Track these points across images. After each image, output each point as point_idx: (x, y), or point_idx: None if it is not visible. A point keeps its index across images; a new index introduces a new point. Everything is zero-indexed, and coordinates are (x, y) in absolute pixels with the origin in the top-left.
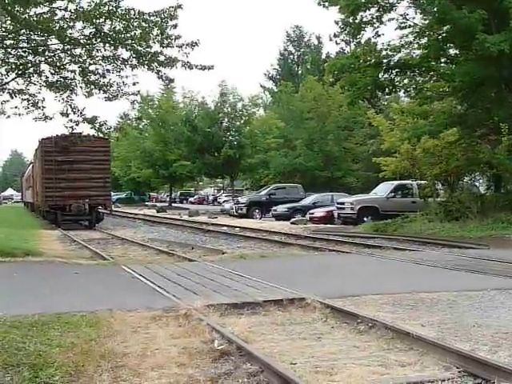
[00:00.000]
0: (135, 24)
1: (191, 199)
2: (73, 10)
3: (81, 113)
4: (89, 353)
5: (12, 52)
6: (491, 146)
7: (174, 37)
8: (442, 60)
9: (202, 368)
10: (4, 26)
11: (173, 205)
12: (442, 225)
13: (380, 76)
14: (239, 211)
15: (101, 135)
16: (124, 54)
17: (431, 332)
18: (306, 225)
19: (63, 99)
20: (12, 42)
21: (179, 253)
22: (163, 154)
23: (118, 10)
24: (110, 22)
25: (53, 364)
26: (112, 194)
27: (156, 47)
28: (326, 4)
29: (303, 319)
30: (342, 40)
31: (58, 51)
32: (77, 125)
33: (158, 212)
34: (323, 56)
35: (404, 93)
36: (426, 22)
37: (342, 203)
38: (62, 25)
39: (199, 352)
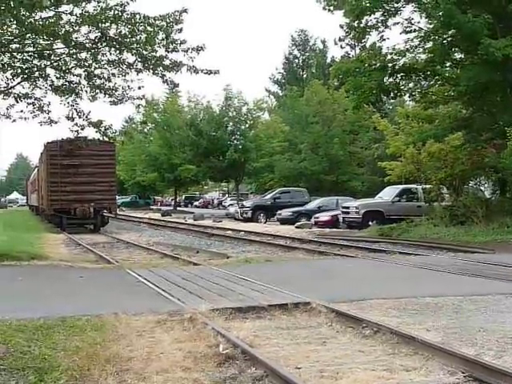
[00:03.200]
0: (140, 28)
1: (196, 203)
2: (78, 15)
3: (86, 117)
4: (94, 357)
5: (18, 56)
6: (497, 151)
7: (179, 41)
8: (447, 64)
9: (206, 372)
10: (10, 30)
11: (178, 208)
12: (448, 229)
13: (385, 80)
14: (244, 215)
15: (106, 139)
16: (129, 58)
17: (436, 337)
18: (310, 229)
19: (68, 103)
20: (18, 46)
21: (184, 257)
22: (168, 157)
23: (124, 14)
24: (115, 27)
25: (58, 368)
26: (117, 197)
27: (161, 51)
28: (331, 8)
29: (308, 323)
30: (347, 44)
31: (64, 55)
32: (82, 129)
33: (162, 216)
34: (328, 60)
35: (409, 97)
36: (431, 26)
37: (347, 207)
38: (68, 29)
39: (204, 356)
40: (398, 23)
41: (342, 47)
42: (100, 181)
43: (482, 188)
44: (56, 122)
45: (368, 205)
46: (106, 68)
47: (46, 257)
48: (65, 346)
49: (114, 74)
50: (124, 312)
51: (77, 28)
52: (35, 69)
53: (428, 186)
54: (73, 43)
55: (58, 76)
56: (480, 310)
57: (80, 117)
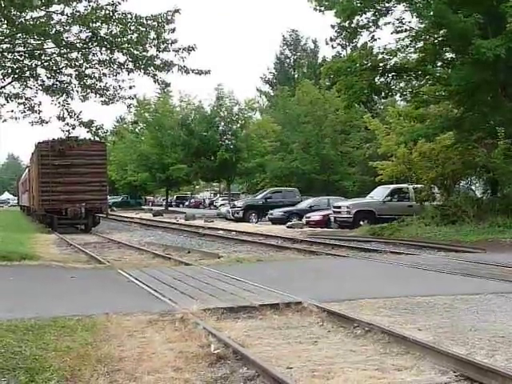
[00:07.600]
0: (132, 28)
1: (187, 203)
2: (69, 14)
3: (77, 116)
4: (85, 357)
5: (8, 56)
6: (487, 150)
7: (170, 41)
8: (439, 64)
9: (198, 372)
10: (0, 29)
11: (169, 208)
12: (439, 229)
13: (376, 79)
14: (235, 215)
15: (97, 139)
16: (120, 57)
17: (428, 336)
18: (302, 229)
19: (59, 103)
20: (8, 45)
21: (175, 257)
22: (160, 157)
23: (115, 14)
24: (106, 26)
25: (49, 368)
26: (108, 197)
27: (152, 51)
28: (322, 8)
29: (300, 323)
30: (339, 44)
31: (55, 55)
32: (73, 128)
33: (154, 216)
34: (319, 60)
35: (400, 96)
36: (423, 25)
37: (339, 207)
38: (59, 29)
39: (195, 356)
40: (389, 23)
41: (333, 47)
42: (91, 181)
43: (473, 187)
44: (47, 122)
45: (359, 204)
46: (97, 68)
47: (37, 257)
48: (56, 347)
49: (105, 74)
50: (115, 312)
51: (68, 28)
52: (26, 68)
53: (419, 186)
54: (64, 43)
55: (49, 76)
56: (471, 310)
57: (71, 117)
